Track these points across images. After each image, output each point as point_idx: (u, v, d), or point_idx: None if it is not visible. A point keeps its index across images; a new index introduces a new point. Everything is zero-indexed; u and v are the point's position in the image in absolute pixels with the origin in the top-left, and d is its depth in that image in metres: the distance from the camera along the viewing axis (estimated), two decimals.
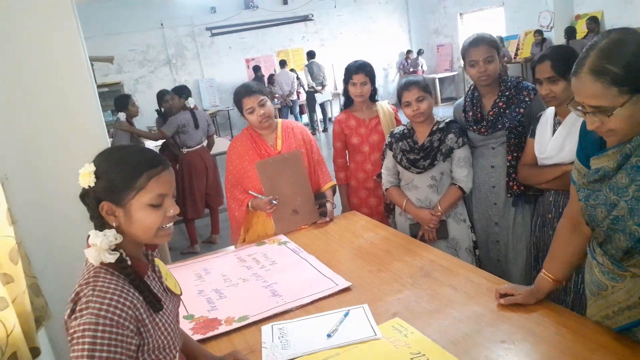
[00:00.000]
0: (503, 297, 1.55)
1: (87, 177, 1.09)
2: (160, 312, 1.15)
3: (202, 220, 5.21)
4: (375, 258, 2.06)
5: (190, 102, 4.78)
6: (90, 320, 1.01)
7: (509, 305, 1.53)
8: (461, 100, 2.49)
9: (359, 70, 2.71)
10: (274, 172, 2.44)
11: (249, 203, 2.45)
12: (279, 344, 1.50)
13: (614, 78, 1.10)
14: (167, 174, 1.14)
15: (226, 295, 1.88)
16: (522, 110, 2.24)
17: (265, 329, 1.60)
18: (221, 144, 5.73)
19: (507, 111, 2.25)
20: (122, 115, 4.55)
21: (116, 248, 1.10)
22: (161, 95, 4.99)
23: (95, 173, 1.09)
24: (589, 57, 1.14)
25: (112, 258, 1.08)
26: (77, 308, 1.04)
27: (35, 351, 1.83)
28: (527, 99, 2.25)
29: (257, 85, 2.55)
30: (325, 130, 10.89)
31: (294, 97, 10.55)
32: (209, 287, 1.97)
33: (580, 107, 1.19)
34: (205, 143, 4.91)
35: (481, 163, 2.38)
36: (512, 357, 1.31)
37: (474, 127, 2.32)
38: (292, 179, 2.48)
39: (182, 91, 4.86)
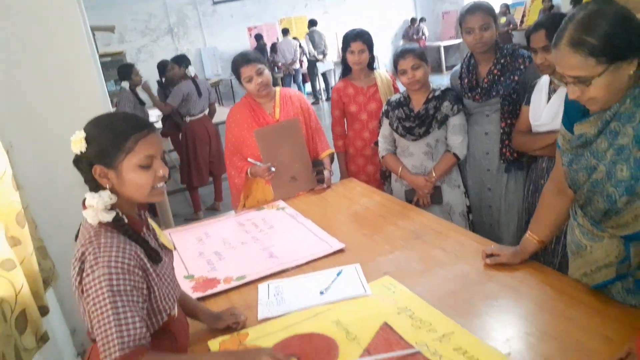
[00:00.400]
0: (489, 257, 1.62)
1: (78, 143, 1.15)
2: (160, 264, 1.23)
3: (205, 188, 5.29)
4: (370, 222, 2.13)
5: (191, 70, 4.79)
6: (104, 272, 1.08)
7: (494, 265, 1.60)
8: (458, 67, 2.51)
9: (357, 38, 2.72)
10: (273, 140, 2.48)
11: (248, 170, 2.51)
12: (274, 301, 1.58)
13: (592, 49, 1.14)
14: (154, 136, 1.20)
15: (225, 257, 1.96)
16: (516, 77, 2.26)
17: (262, 287, 1.68)
18: (224, 112, 5.75)
19: (502, 79, 2.27)
20: (125, 84, 4.58)
21: (112, 208, 1.17)
22: (162, 66, 5.00)
23: (86, 139, 1.15)
24: (567, 29, 1.17)
25: (109, 217, 1.15)
26: (87, 266, 1.10)
27: (43, 309, 1.93)
28: (522, 67, 2.26)
29: (255, 54, 2.57)
30: (328, 99, 10.85)
31: (297, 65, 10.47)
32: (209, 250, 2.05)
33: (562, 78, 1.23)
34: (207, 111, 4.94)
35: (475, 130, 2.41)
36: (494, 312, 1.39)
37: (469, 94, 2.35)
38: (290, 146, 2.52)
39: (182, 60, 4.86)
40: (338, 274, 1.68)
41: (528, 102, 2.12)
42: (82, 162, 1.17)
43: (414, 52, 2.34)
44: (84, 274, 1.11)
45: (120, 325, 1.06)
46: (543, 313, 1.35)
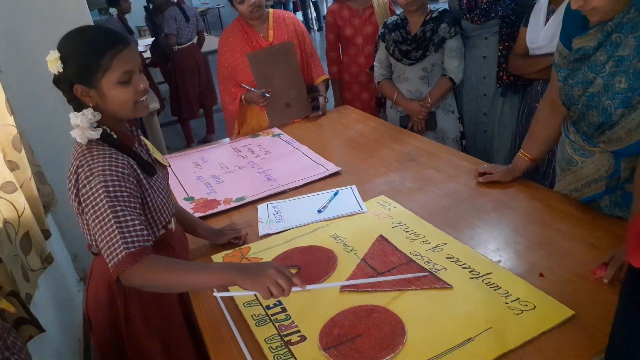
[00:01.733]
0: (482, 176, 1.66)
1: (54, 64, 1.13)
2: (154, 177, 1.26)
3: (196, 120, 5.25)
4: (365, 147, 2.15)
5: None
6: (99, 179, 1.10)
7: (487, 183, 1.65)
8: None
9: None
10: (266, 64, 2.44)
11: (242, 96, 2.49)
12: (274, 219, 1.63)
13: None
14: (129, 50, 1.17)
15: (223, 180, 1.99)
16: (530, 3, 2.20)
17: (261, 207, 1.72)
18: (212, 42, 5.61)
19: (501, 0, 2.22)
20: (114, 12, 4.41)
21: (98, 125, 1.17)
22: None
23: (61, 59, 1.13)
24: None
25: (96, 134, 1.15)
26: (82, 177, 1.12)
27: (46, 233, 1.97)
28: None
29: None
30: (320, 29, 10.55)
31: None
32: (207, 174, 2.07)
33: None
34: (195, 40, 4.80)
35: (473, 54, 2.38)
36: (485, 225, 1.45)
37: (468, 16, 2.30)
38: (285, 71, 2.49)
39: None
40: (335, 194, 1.72)
41: (526, 24, 2.08)
42: (62, 82, 1.16)
43: None
44: (80, 186, 1.13)
45: (122, 227, 1.09)
46: (532, 225, 1.41)
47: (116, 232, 1.08)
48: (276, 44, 2.47)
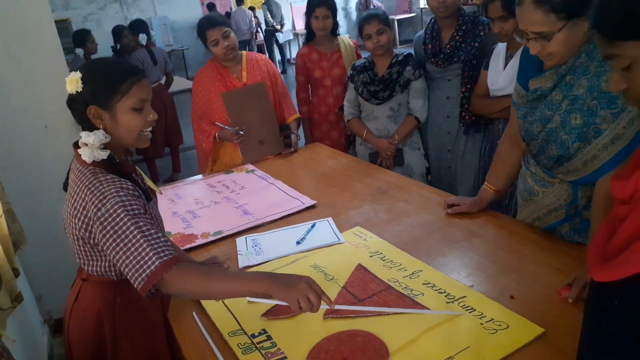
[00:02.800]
0: (450, 207, 1.76)
1: (74, 83, 1.19)
2: (151, 203, 1.30)
3: (162, 160, 5.24)
4: (338, 181, 2.23)
5: (142, 38, 4.67)
6: (115, 201, 1.13)
7: (455, 214, 1.74)
8: (421, 32, 2.61)
9: (321, 4, 2.76)
10: (240, 103, 2.52)
11: (216, 134, 2.54)
12: (253, 251, 1.66)
13: (553, 6, 1.25)
14: (146, 81, 1.27)
15: (200, 215, 2.01)
16: (476, 44, 2.38)
17: (240, 240, 1.75)
18: (177, 82, 5.68)
19: (463, 45, 2.39)
20: (80, 52, 4.43)
21: (105, 148, 1.22)
22: (118, 32, 4.85)
23: (82, 79, 1.19)
24: None
25: (104, 154, 1.21)
26: (95, 201, 1.14)
27: (15, 271, 1.92)
28: (481, 34, 2.38)
29: (221, 17, 2.58)
30: (284, 72, 10.80)
31: (251, 37, 10.33)
32: (183, 209, 2.09)
33: (524, 35, 1.34)
34: (163, 80, 4.85)
35: (437, 94, 2.53)
36: (456, 252, 1.53)
37: (433, 60, 2.46)
38: (258, 110, 2.57)
39: (136, 27, 4.74)
40: (312, 226, 1.78)
41: (487, 67, 2.25)
42: (76, 102, 1.21)
43: (378, 18, 2.42)
44: (94, 210, 1.14)
45: (150, 240, 1.11)
46: (500, 251, 1.50)
47: (144, 245, 1.10)
48: (250, 84, 2.56)
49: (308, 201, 1.99)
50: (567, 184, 1.43)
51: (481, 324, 1.18)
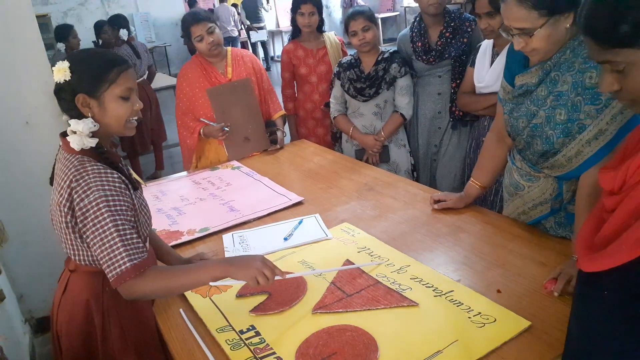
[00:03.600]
0: (437, 203, 1.77)
1: (62, 72, 1.19)
2: (138, 192, 1.30)
3: (145, 157, 5.19)
4: (324, 178, 2.23)
5: (123, 34, 4.60)
6: (99, 194, 1.15)
7: (442, 209, 1.75)
8: (406, 31, 2.62)
9: (308, 1, 2.76)
10: (225, 99, 2.50)
11: (201, 130, 2.52)
12: (240, 248, 1.65)
13: (535, 2, 1.27)
14: (132, 71, 1.28)
15: (185, 212, 1.99)
16: (465, 40, 2.40)
17: (227, 237, 1.74)
18: (160, 79, 5.63)
19: (453, 41, 2.41)
20: (61, 47, 4.35)
21: (93, 136, 1.22)
22: (99, 27, 4.77)
23: (70, 68, 1.19)
24: None
25: (93, 142, 1.21)
26: (80, 190, 1.15)
27: None
28: (469, 29, 2.41)
29: (205, 13, 2.55)
30: (268, 69, 10.75)
31: (235, 33, 10.25)
32: (168, 206, 2.07)
33: (508, 31, 1.36)
34: (146, 76, 4.79)
35: (428, 91, 2.56)
36: (443, 247, 1.54)
37: (423, 57, 2.47)
38: (243, 106, 2.55)
39: (116, 22, 4.67)
40: (300, 222, 1.77)
41: (473, 64, 2.26)
42: (64, 91, 1.20)
43: (364, 14, 2.43)
44: (77, 200, 1.15)
45: (124, 240, 1.14)
46: (486, 246, 1.52)
47: (119, 244, 1.13)
48: (235, 80, 2.54)
49: (295, 197, 1.99)
50: (552, 178, 1.45)
51: (469, 317, 1.19)
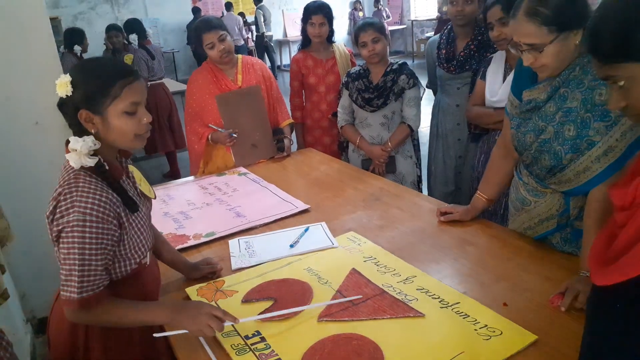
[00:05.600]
0: (443, 215, 1.78)
1: (64, 87, 1.15)
2: (136, 213, 1.26)
3: (156, 160, 5.24)
4: (331, 187, 2.24)
5: (133, 38, 4.67)
6: (78, 217, 1.12)
7: (448, 221, 1.76)
8: (436, 37, 2.68)
9: (318, 11, 2.79)
10: (234, 106, 2.52)
11: (209, 136, 2.53)
12: (246, 253, 1.65)
13: (545, 19, 1.29)
14: (139, 83, 1.21)
15: (192, 217, 2.00)
16: (489, 54, 2.41)
17: (233, 242, 1.75)
18: (168, 85, 5.68)
19: (477, 54, 2.44)
20: (77, 49, 4.41)
21: (94, 154, 1.19)
22: (109, 31, 4.83)
23: (72, 83, 1.16)
24: (524, 1, 1.32)
25: (92, 162, 1.17)
26: (63, 206, 1.13)
27: (1, 268, 1.89)
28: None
29: (217, 20, 2.58)
30: (275, 78, 10.78)
31: (241, 42, 10.31)
32: (174, 210, 2.08)
33: (518, 47, 1.37)
34: (164, 78, 4.85)
35: (447, 102, 2.59)
36: (449, 259, 1.54)
37: (445, 65, 2.51)
38: (252, 113, 2.57)
39: (129, 26, 4.73)
40: (305, 230, 1.78)
41: (483, 77, 2.26)
42: (67, 106, 1.17)
43: (374, 26, 2.45)
44: (58, 214, 1.13)
45: (83, 271, 1.13)
46: (492, 259, 1.52)
47: (76, 273, 1.13)
48: (244, 87, 2.56)
49: (301, 205, 2.00)
50: (559, 194, 1.46)
51: (475, 329, 1.19)
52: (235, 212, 2.01)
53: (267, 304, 1.36)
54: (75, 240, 1.12)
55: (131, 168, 1.36)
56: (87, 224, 1.12)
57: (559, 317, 1.22)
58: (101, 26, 7.32)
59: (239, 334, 1.25)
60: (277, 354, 1.17)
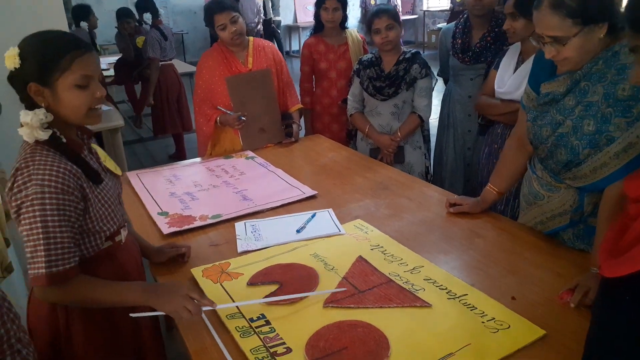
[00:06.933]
0: (452, 206, 1.76)
1: (11, 59, 1.12)
2: (101, 185, 1.23)
3: (164, 140, 5.24)
4: (339, 174, 2.22)
5: (147, 17, 4.63)
6: (36, 190, 1.08)
7: (457, 213, 1.74)
8: (451, 25, 2.64)
9: None
10: (244, 88, 2.49)
11: (218, 118, 2.51)
12: (252, 237, 1.64)
13: (569, 11, 1.25)
14: (91, 56, 1.17)
15: (198, 198, 1.99)
16: (505, 47, 2.37)
17: (239, 225, 1.73)
18: (176, 66, 5.65)
19: (493, 46, 2.40)
20: (84, 25, 4.37)
21: (49, 127, 1.15)
22: (120, 15, 4.79)
23: (20, 55, 1.11)
24: None
25: (45, 135, 1.13)
26: (20, 182, 1.10)
27: (6, 241, 1.89)
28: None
29: (230, 1, 2.54)
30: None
31: (258, 26, 10.21)
32: (181, 190, 2.06)
33: (540, 39, 1.34)
34: (173, 59, 4.82)
35: (460, 93, 2.56)
36: (457, 251, 1.52)
37: (459, 55, 2.47)
38: (261, 97, 2.54)
39: (141, 5, 4.69)
40: (312, 216, 1.76)
41: (497, 67, 2.23)
42: (16, 79, 1.14)
43: (388, 13, 2.41)
44: (16, 190, 1.10)
45: (49, 244, 1.09)
46: (501, 253, 1.50)
47: (42, 247, 1.08)
48: (255, 70, 2.53)
49: (309, 191, 1.98)
50: (573, 189, 1.43)
51: (482, 322, 1.18)
52: (242, 195, 1.99)
53: (273, 287, 1.35)
54: (37, 213, 1.08)
55: (94, 146, 1.33)
56: (47, 195, 1.09)
57: (568, 314, 1.20)
58: (110, 4, 7.28)
59: (243, 317, 1.24)
60: (281, 338, 1.16)
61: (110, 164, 1.34)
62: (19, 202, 1.09)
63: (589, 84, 1.32)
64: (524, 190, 1.64)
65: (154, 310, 1.19)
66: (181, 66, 5.98)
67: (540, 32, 1.33)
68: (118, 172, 1.37)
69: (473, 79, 2.49)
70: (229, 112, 2.49)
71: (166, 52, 4.63)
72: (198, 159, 2.55)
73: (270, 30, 10.53)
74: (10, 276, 1.99)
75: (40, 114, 1.12)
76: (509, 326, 1.16)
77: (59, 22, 2.44)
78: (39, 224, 1.08)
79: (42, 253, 1.08)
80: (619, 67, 1.26)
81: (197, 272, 1.45)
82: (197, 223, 1.75)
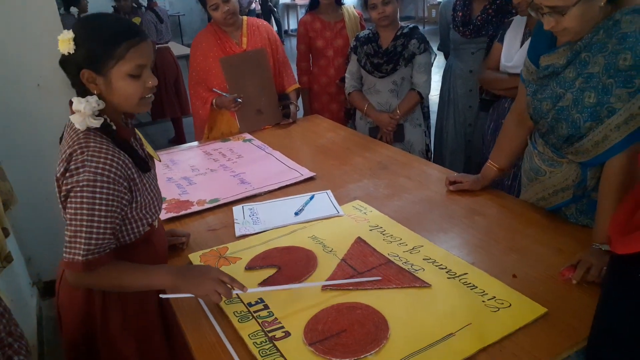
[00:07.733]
0: (452, 184, 1.73)
1: (66, 44, 1.09)
2: (147, 173, 1.24)
3: (163, 124, 5.18)
4: (337, 154, 2.19)
5: (143, 1, 4.57)
6: (89, 177, 1.08)
7: (457, 191, 1.71)
8: None
9: None
10: (239, 69, 2.45)
11: (214, 101, 2.48)
12: (250, 220, 1.63)
13: None
14: (146, 45, 1.14)
15: (195, 182, 1.97)
16: (507, 20, 2.32)
17: (237, 208, 1.72)
18: (172, 49, 5.58)
19: (494, 19, 2.34)
20: (74, 10, 4.31)
21: (99, 114, 1.15)
22: None
23: (74, 40, 1.09)
24: None
25: (97, 123, 1.13)
26: (73, 167, 1.09)
27: (5, 231, 1.88)
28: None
29: None
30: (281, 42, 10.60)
31: (253, 5, 10.09)
32: (178, 175, 2.04)
33: (539, 9, 1.29)
34: (169, 42, 4.77)
35: (460, 67, 2.50)
36: (457, 229, 1.50)
37: (460, 29, 2.41)
38: (257, 78, 2.50)
39: None
40: (311, 198, 1.74)
41: (501, 40, 2.17)
42: (69, 64, 1.12)
43: None
44: (68, 174, 1.10)
45: (91, 232, 1.09)
46: (502, 230, 1.48)
47: (83, 234, 1.09)
48: (250, 50, 2.48)
49: (307, 173, 1.96)
50: (575, 164, 1.40)
51: (483, 301, 1.16)
52: (240, 178, 1.97)
53: (271, 271, 1.34)
54: (85, 200, 1.08)
55: (136, 131, 1.33)
56: (98, 184, 1.09)
57: (570, 290, 1.19)
58: None
59: (242, 301, 1.23)
60: (280, 322, 1.15)
61: (149, 149, 1.35)
62: (69, 186, 1.10)
63: (590, 55, 1.27)
64: (525, 166, 1.61)
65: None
66: (178, 49, 5.91)
67: (539, 2, 1.28)
68: (157, 157, 1.38)
69: (474, 53, 2.44)
70: (224, 94, 2.45)
71: (162, 35, 4.57)
72: (195, 143, 2.53)
73: (268, 9, 10.41)
74: (10, 265, 1.99)
75: (92, 102, 1.12)
76: (510, 305, 1.14)
77: (49, 6, 2.38)
78: (84, 211, 1.08)
79: (83, 240, 1.08)
80: (620, 36, 1.21)
81: (194, 257, 1.44)
82: (195, 208, 1.74)
